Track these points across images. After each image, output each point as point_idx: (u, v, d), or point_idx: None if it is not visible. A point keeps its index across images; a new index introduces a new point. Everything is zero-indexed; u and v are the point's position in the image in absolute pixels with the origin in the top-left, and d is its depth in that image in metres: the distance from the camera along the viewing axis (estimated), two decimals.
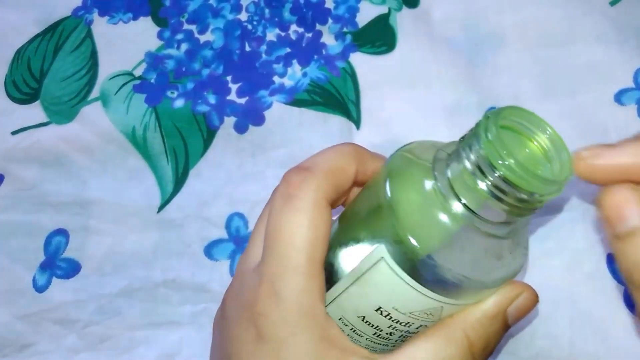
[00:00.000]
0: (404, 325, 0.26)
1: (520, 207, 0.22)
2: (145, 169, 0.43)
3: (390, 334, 0.26)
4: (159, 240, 0.41)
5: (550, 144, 0.23)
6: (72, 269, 0.41)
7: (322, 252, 0.25)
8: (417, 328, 0.26)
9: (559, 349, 0.36)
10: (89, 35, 0.47)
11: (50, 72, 0.46)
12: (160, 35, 0.46)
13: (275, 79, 0.44)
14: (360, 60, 0.45)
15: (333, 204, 0.27)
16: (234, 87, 0.44)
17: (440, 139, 0.41)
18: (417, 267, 0.23)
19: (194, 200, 0.42)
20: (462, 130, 0.42)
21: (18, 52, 0.47)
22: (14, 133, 0.44)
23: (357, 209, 0.27)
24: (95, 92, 0.45)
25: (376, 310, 0.25)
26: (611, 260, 0.38)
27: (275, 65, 0.45)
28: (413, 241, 0.23)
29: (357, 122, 0.43)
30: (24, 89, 0.45)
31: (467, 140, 0.23)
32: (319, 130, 0.43)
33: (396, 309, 0.25)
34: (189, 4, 0.47)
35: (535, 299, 0.27)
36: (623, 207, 0.22)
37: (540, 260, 0.38)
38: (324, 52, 0.45)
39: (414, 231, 0.23)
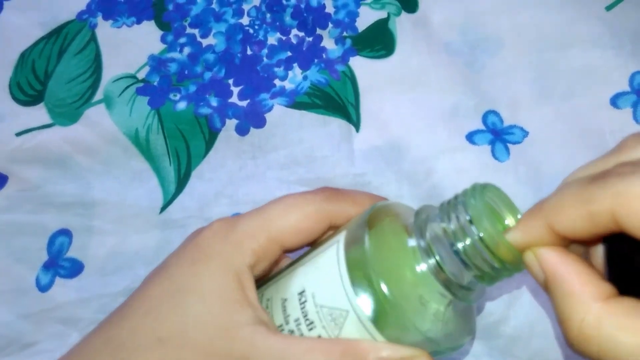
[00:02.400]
0: (307, 324, 0.26)
1: (486, 273, 0.24)
2: (148, 171, 0.43)
3: (292, 331, 0.27)
4: (161, 240, 0.41)
5: None
6: (75, 268, 0.41)
7: (292, 236, 0.27)
8: (316, 334, 0.26)
9: (556, 350, 0.37)
10: (93, 38, 0.47)
11: (54, 74, 0.46)
12: (163, 39, 0.47)
13: (276, 82, 0.45)
14: (359, 64, 0.45)
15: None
16: (235, 90, 0.45)
17: (439, 141, 0.42)
18: (364, 284, 0.25)
19: (196, 201, 0.42)
20: (460, 133, 0.43)
21: (23, 54, 0.47)
22: (18, 134, 0.45)
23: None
24: (99, 95, 0.45)
25: (299, 294, 0.26)
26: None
27: (276, 69, 0.45)
28: (383, 287, 0.24)
29: (356, 125, 0.43)
30: (29, 91, 0.46)
31: (452, 205, 0.25)
32: (319, 133, 0.43)
33: (314, 297, 0.26)
34: (191, 8, 0.48)
35: None
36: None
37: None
38: (324, 56, 0.46)
39: (387, 279, 0.24)
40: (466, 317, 0.27)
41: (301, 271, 0.27)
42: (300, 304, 0.26)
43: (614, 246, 0.23)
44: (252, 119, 0.44)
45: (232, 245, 0.27)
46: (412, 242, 0.25)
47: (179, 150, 0.44)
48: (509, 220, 0.25)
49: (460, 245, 0.24)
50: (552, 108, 0.43)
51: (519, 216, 0.25)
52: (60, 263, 0.41)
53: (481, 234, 0.24)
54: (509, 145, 0.42)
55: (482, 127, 0.43)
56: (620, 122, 0.42)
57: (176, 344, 0.25)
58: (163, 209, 0.42)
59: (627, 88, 0.43)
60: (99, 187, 0.43)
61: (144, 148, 0.44)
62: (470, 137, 0.42)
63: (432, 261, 0.25)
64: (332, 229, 0.29)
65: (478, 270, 0.24)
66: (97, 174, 0.43)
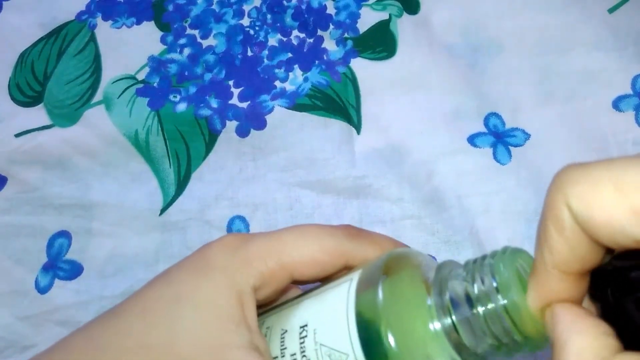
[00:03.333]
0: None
1: (504, 344, 0.23)
2: (147, 172, 0.43)
3: None
4: (161, 242, 0.41)
5: None
6: (75, 270, 0.41)
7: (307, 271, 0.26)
8: None
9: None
10: (93, 39, 0.47)
11: (53, 75, 0.46)
12: (163, 40, 0.47)
13: (277, 83, 0.45)
14: (361, 66, 0.45)
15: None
16: (236, 91, 0.45)
17: (440, 143, 0.42)
18: (365, 326, 0.24)
19: (196, 203, 0.42)
20: (461, 135, 0.42)
21: (22, 55, 0.47)
22: (17, 135, 0.44)
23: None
24: (98, 96, 0.45)
25: (301, 327, 0.25)
26: None
27: (276, 70, 0.45)
28: (391, 339, 0.23)
29: (357, 127, 0.43)
30: (28, 92, 0.46)
31: (478, 267, 0.23)
32: (320, 135, 0.43)
33: (315, 333, 0.25)
34: (191, 9, 0.47)
35: None
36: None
37: None
38: (325, 58, 0.45)
39: (396, 331, 0.23)
40: None
41: (307, 304, 0.26)
42: (300, 338, 0.25)
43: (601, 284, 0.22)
44: (252, 121, 0.44)
45: (239, 262, 0.26)
46: (429, 298, 0.24)
47: (179, 151, 0.43)
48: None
49: (481, 310, 0.23)
50: (554, 110, 0.42)
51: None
52: (59, 265, 0.41)
53: (506, 302, 0.22)
54: (511, 147, 0.42)
55: (484, 130, 0.43)
56: (622, 125, 0.42)
57: (162, 353, 0.24)
58: (163, 211, 0.42)
59: (629, 91, 0.42)
60: (99, 189, 0.43)
61: (144, 150, 0.44)
62: (472, 140, 0.42)
63: (448, 321, 0.23)
64: (347, 269, 0.28)
65: (496, 340, 0.23)
66: (96, 176, 0.43)
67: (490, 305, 0.22)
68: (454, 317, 0.23)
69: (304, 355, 0.25)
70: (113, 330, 0.26)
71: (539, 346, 0.23)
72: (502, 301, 0.22)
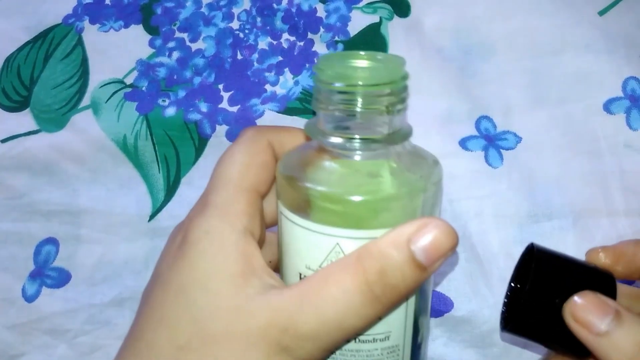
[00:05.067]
0: None
1: (387, 107, 0.25)
2: (136, 178, 0.43)
3: None
4: (150, 249, 0.41)
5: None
6: (62, 278, 0.40)
7: (254, 177, 0.27)
8: None
9: None
10: (80, 42, 0.46)
11: (40, 80, 0.45)
12: (151, 43, 0.46)
13: (267, 87, 0.44)
14: None
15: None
16: (225, 95, 0.44)
17: (432, 146, 0.41)
18: (304, 204, 0.25)
19: (186, 208, 0.41)
20: (453, 138, 0.42)
21: (8, 59, 0.46)
22: (3, 141, 0.44)
23: None
24: (86, 100, 0.45)
25: (300, 279, 0.26)
26: None
27: (267, 74, 0.45)
28: (344, 196, 0.24)
29: None
30: (14, 96, 0.45)
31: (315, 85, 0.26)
32: None
33: (309, 268, 0.25)
34: (180, 12, 0.47)
35: (448, 234, 0.23)
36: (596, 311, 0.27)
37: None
38: (315, 61, 0.45)
39: (292, 170, 0.26)
40: (418, 155, 0.27)
41: (283, 263, 0.27)
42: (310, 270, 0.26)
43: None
44: (242, 125, 0.43)
45: (217, 219, 0.26)
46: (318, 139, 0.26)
47: (168, 156, 0.43)
48: (359, 62, 0.26)
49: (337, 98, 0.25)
50: (545, 113, 0.42)
51: (362, 52, 0.26)
52: (47, 272, 0.40)
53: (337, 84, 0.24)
54: (502, 151, 0.42)
55: (475, 133, 0.42)
56: (613, 128, 0.42)
57: (197, 345, 0.24)
58: (152, 216, 0.42)
59: (620, 94, 0.42)
60: (87, 195, 0.42)
61: (132, 155, 0.43)
62: (464, 143, 0.42)
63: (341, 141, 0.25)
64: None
65: (372, 110, 0.25)
66: (84, 182, 0.42)
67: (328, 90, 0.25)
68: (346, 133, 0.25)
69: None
70: (145, 345, 0.25)
71: (398, 77, 0.25)
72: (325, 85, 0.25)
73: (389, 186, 0.25)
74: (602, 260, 0.31)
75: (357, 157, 0.25)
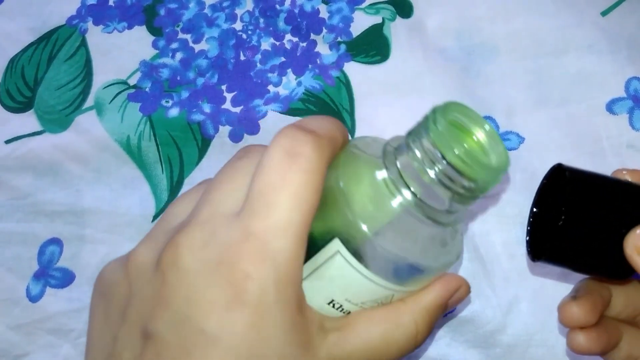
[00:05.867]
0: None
1: (463, 194, 0.24)
2: (140, 178, 0.43)
3: None
4: None
5: (487, 138, 0.25)
6: (66, 278, 0.40)
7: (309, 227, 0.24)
8: None
9: (554, 357, 0.37)
10: (84, 44, 0.47)
11: (44, 80, 0.46)
12: (155, 44, 0.46)
13: (270, 88, 0.44)
14: (354, 70, 0.45)
15: None
16: (228, 96, 0.44)
17: None
18: (370, 256, 0.24)
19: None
20: None
21: (12, 60, 0.46)
22: (7, 142, 0.44)
23: None
24: (89, 101, 0.45)
25: (328, 304, 0.26)
26: None
27: (270, 75, 0.45)
28: (364, 227, 0.24)
29: (351, 131, 0.43)
30: (18, 97, 0.45)
31: (416, 132, 0.24)
32: None
33: (348, 300, 0.25)
34: (183, 13, 0.47)
35: (468, 291, 0.28)
36: None
37: (533, 269, 0.39)
38: (318, 62, 0.45)
39: (366, 218, 0.24)
40: (452, 239, 0.27)
41: (310, 286, 0.25)
42: (337, 309, 0.26)
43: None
44: (245, 126, 0.43)
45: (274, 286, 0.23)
46: (393, 193, 0.24)
47: (172, 157, 0.43)
48: (479, 134, 0.24)
49: (431, 174, 0.23)
50: (548, 114, 0.42)
51: (487, 127, 0.24)
52: (50, 273, 0.40)
53: (448, 158, 0.23)
54: None
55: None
56: (616, 128, 0.42)
57: None
58: (156, 217, 0.42)
59: (623, 94, 0.42)
60: (90, 195, 0.42)
61: (136, 155, 0.43)
62: None
63: (406, 193, 0.24)
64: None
65: (453, 192, 0.24)
66: (88, 182, 0.43)
67: (436, 165, 0.23)
68: (412, 188, 0.24)
69: (350, 313, 0.26)
70: None
71: (492, 182, 0.24)
72: (444, 157, 0.23)
73: (453, 254, 0.27)
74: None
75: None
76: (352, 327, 0.26)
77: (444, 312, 0.28)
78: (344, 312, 0.26)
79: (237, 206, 0.24)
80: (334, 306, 0.26)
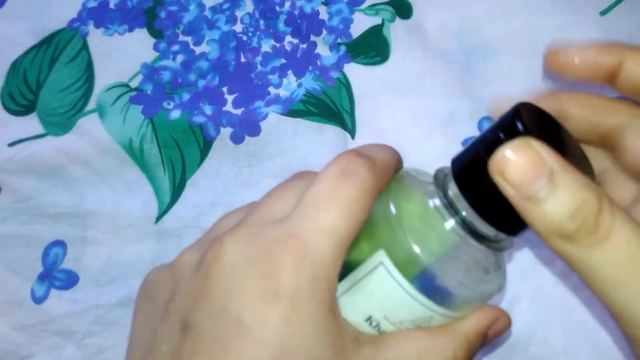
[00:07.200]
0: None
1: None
2: (142, 180, 0.43)
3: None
4: (157, 250, 0.41)
5: None
6: (70, 280, 0.41)
7: (351, 241, 0.25)
8: None
9: (553, 356, 0.37)
10: (85, 47, 0.47)
11: (46, 83, 0.46)
12: (156, 47, 0.47)
13: (271, 89, 0.45)
14: (354, 71, 0.45)
15: None
16: (229, 98, 0.45)
17: (435, 148, 0.42)
18: (416, 275, 0.25)
19: (192, 210, 0.42)
20: (456, 139, 0.43)
21: (14, 64, 0.47)
22: (10, 145, 0.44)
23: None
24: (91, 104, 0.45)
25: (366, 321, 0.26)
26: None
27: (270, 76, 0.45)
28: (416, 249, 0.25)
29: (352, 132, 0.43)
30: (20, 100, 0.46)
31: None
32: (314, 140, 0.43)
33: (386, 318, 0.25)
34: (184, 15, 0.47)
35: (509, 324, 0.28)
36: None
37: (533, 267, 0.39)
38: (318, 63, 0.45)
39: (419, 241, 0.25)
40: (495, 269, 0.28)
41: (347, 300, 0.26)
42: (373, 327, 0.26)
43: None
44: (246, 127, 0.44)
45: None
46: (445, 219, 0.26)
47: (174, 159, 0.43)
48: None
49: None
50: None
51: None
52: (55, 274, 0.41)
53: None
54: None
55: (478, 133, 0.43)
56: None
57: None
58: (158, 218, 0.42)
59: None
60: (93, 198, 0.43)
61: (138, 157, 0.43)
62: (466, 144, 0.42)
63: (465, 227, 0.25)
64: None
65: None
66: (90, 184, 0.43)
67: None
68: (463, 214, 0.25)
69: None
70: None
71: None
72: None
73: (496, 283, 0.27)
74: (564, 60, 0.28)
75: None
76: (388, 343, 0.25)
77: (483, 344, 0.28)
78: (380, 332, 0.26)
79: (285, 215, 0.25)
80: (370, 324, 0.26)
